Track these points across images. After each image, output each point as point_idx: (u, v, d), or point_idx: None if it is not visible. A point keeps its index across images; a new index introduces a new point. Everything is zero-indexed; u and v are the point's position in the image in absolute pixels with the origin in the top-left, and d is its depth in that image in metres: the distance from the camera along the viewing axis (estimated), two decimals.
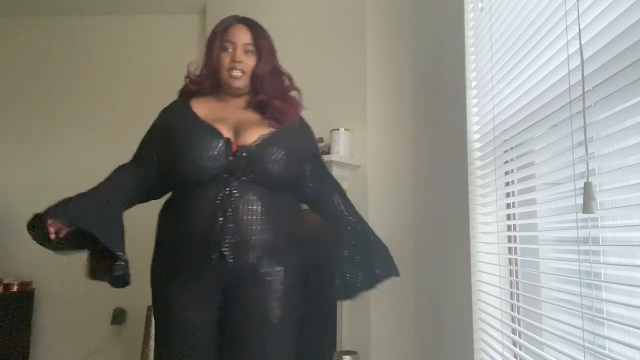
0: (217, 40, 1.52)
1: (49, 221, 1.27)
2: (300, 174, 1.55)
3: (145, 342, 2.65)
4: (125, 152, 1.67)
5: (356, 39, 2.39)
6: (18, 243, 3.41)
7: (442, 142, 1.88)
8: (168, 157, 1.45)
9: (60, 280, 3.35)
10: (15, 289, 3.23)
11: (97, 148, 3.36)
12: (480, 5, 1.56)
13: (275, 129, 1.48)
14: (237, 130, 1.47)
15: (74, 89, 3.64)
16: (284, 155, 1.44)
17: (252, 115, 1.53)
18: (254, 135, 1.44)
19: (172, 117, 1.53)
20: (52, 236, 1.27)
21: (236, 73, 1.50)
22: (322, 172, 1.63)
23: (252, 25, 1.56)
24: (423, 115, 2.12)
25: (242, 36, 1.52)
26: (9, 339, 3.14)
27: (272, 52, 1.57)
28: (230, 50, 1.51)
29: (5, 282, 3.24)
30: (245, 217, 1.37)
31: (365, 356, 2.11)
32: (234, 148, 1.41)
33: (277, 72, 1.58)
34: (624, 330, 0.94)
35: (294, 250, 1.53)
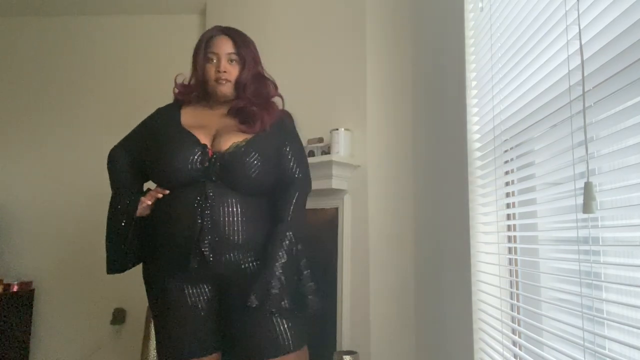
0: (201, 53, 1.59)
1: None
2: (279, 169, 1.58)
3: (145, 342, 2.65)
4: None
5: (356, 39, 2.39)
6: (18, 243, 3.42)
7: (442, 142, 1.88)
8: (151, 160, 1.55)
9: (60, 280, 3.36)
10: (15, 289, 3.24)
11: (98, 148, 3.35)
12: (480, 5, 1.56)
13: (248, 137, 1.53)
14: (216, 137, 1.55)
15: (74, 89, 3.65)
16: (257, 162, 1.50)
17: (231, 121, 1.60)
18: (227, 143, 1.51)
19: (160, 121, 1.63)
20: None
21: (222, 82, 1.58)
22: (300, 155, 1.65)
23: (234, 35, 1.61)
24: (423, 115, 2.12)
25: (225, 46, 1.59)
26: (9, 339, 3.14)
27: (254, 59, 1.63)
28: (214, 61, 1.59)
29: (5, 282, 3.25)
30: (222, 219, 1.44)
31: (365, 356, 2.11)
32: (210, 154, 1.49)
33: (261, 78, 1.65)
34: (624, 330, 0.94)
35: None
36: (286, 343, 1.47)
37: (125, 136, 1.72)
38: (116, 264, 1.57)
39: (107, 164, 1.69)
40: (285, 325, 1.48)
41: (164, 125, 1.61)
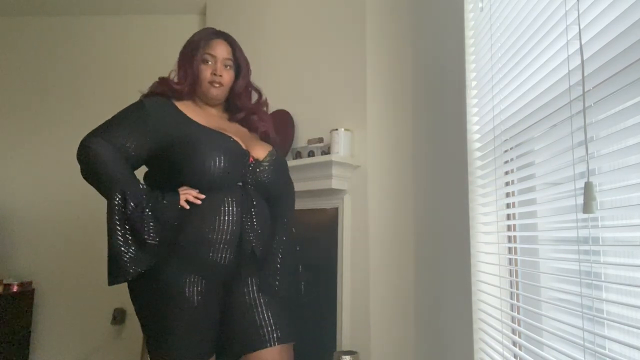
0: (198, 52, 1.62)
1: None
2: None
3: (146, 342, 2.65)
4: None
5: (356, 39, 2.39)
6: (18, 243, 3.42)
7: (442, 142, 1.88)
8: (178, 157, 1.47)
9: (60, 280, 3.36)
10: (15, 289, 3.24)
11: None
12: (480, 5, 1.56)
13: (271, 146, 1.68)
14: (245, 143, 1.60)
15: (74, 89, 3.65)
16: (279, 170, 1.65)
17: (241, 128, 1.70)
18: (263, 152, 1.62)
19: (162, 115, 1.52)
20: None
21: (215, 85, 1.62)
22: (286, 166, 1.80)
23: (231, 41, 1.68)
24: (423, 116, 2.12)
25: (223, 51, 1.64)
26: (9, 339, 3.14)
27: (247, 68, 1.71)
28: (210, 63, 1.62)
29: (5, 282, 3.25)
30: (262, 220, 1.55)
31: (365, 356, 2.11)
32: (251, 160, 1.57)
33: (251, 87, 1.75)
34: (624, 330, 0.94)
35: None
36: (268, 337, 1.49)
37: (105, 128, 1.53)
38: (127, 271, 1.38)
39: (91, 158, 1.46)
40: (272, 320, 1.52)
41: (178, 123, 1.52)
